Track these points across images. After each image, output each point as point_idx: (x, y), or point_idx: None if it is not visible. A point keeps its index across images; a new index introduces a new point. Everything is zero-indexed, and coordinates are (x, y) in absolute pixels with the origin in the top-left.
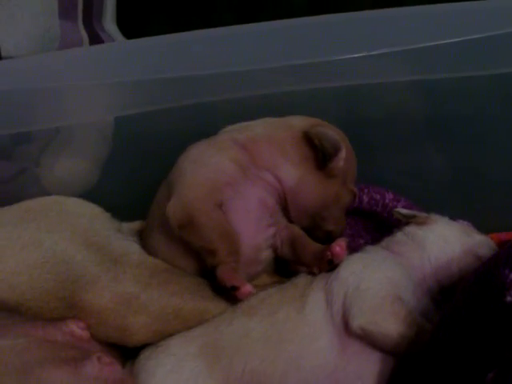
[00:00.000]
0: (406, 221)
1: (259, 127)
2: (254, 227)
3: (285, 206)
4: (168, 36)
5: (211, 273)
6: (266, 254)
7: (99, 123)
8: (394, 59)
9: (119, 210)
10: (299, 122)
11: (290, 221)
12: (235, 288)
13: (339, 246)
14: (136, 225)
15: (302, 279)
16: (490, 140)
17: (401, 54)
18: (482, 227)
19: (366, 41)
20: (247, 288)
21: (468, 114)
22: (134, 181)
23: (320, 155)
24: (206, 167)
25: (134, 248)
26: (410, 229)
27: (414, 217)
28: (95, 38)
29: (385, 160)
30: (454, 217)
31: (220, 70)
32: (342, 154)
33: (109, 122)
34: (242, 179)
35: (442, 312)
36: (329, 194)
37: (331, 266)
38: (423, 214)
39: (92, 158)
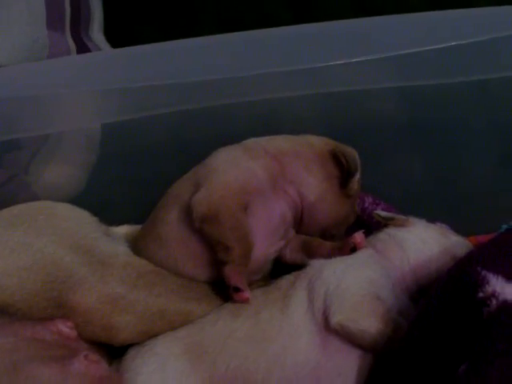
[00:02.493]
0: (385, 223)
1: (285, 142)
2: (269, 238)
3: (299, 221)
4: (154, 45)
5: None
6: (269, 266)
7: (87, 130)
8: (375, 66)
9: (107, 215)
10: (317, 141)
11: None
12: (237, 289)
13: (360, 236)
14: (123, 229)
15: (284, 281)
16: (470, 146)
17: (381, 61)
18: (462, 230)
19: (347, 48)
20: (246, 294)
21: (448, 120)
22: (122, 186)
23: (344, 174)
24: (238, 169)
25: (121, 250)
26: (391, 230)
27: (392, 219)
28: (82, 48)
29: (364, 165)
30: (433, 220)
31: (205, 77)
32: (358, 175)
33: (96, 129)
34: (270, 189)
35: (417, 309)
36: (342, 212)
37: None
38: (402, 217)
39: (80, 164)
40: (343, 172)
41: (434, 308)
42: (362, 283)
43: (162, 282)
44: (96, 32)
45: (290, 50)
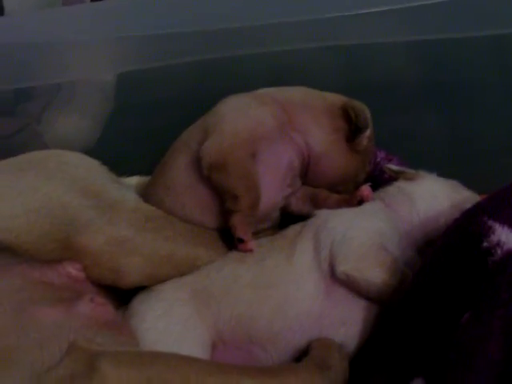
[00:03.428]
0: (396, 176)
1: (297, 93)
2: (277, 185)
3: (306, 171)
4: None
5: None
6: (277, 215)
7: (101, 80)
8: (391, 18)
9: (120, 167)
10: (332, 96)
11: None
12: (241, 240)
13: (367, 189)
14: (133, 179)
15: (291, 231)
16: (485, 103)
17: (397, 12)
18: (475, 188)
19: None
20: (251, 245)
21: (464, 76)
22: (135, 137)
23: (352, 128)
24: (247, 117)
25: (130, 195)
26: (401, 183)
27: (403, 172)
28: None
29: (377, 122)
30: (446, 177)
31: (219, 26)
32: (368, 132)
33: (110, 79)
34: (278, 136)
35: (423, 259)
36: (349, 168)
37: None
38: (412, 171)
39: (94, 115)
40: (352, 126)
41: (440, 258)
42: (368, 233)
43: (171, 227)
44: None
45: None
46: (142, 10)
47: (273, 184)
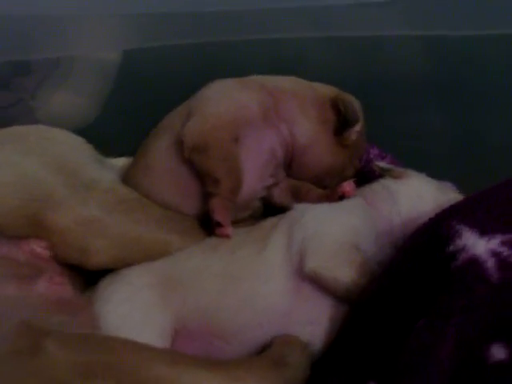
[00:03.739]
0: (383, 174)
1: (287, 82)
2: (258, 172)
3: (289, 162)
4: None
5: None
6: (257, 204)
7: (101, 58)
8: (398, 10)
9: (116, 147)
10: (323, 88)
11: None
12: (219, 224)
13: (350, 185)
14: (120, 161)
15: (268, 222)
16: (492, 103)
17: (405, 4)
18: (477, 188)
19: None
20: (228, 230)
21: (471, 74)
22: (133, 118)
23: (341, 121)
24: (230, 100)
25: (107, 176)
26: (386, 181)
27: (390, 170)
28: None
29: (376, 118)
30: (441, 178)
31: (230, 7)
32: (358, 126)
33: (111, 58)
34: (261, 123)
35: (390, 258)
36: (335, 162)
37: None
38: (400, 169)
39: (91, 93)
40: (340, 119)
41: (405, 259)
42: (342, 230)
43: (143, 210)
44: None
45: None
46: None
47: (253, 171)
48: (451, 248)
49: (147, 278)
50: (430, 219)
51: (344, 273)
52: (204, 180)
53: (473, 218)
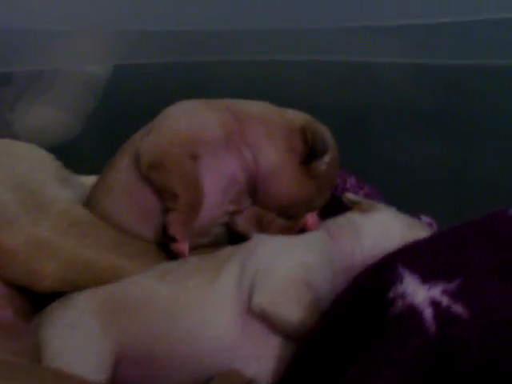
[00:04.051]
0: (351, 206)
1: (255, 106)
2: (217, 196)
3: (254, 189)
4: None
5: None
6: (218, 230)
7: (85, 73)
8: (393, 36)
9: (97, 164)
10: (295, 115)
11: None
12: (173, 239)
13: (312, 218)
14: (89, 179)
15: (225, 251)
16: (484, 137)
17: (397, 31)
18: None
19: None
20: (183, 246)
21: (463, 107)
22: (117, 136)
23: (307, 151)
24: (191, 118)
25: (64, 197)
26: (353, 215)
27: (358, 203)
28: None
29: (371, 150)
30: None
31: (219, 28)
32: (328, 157)
33: (96, 73)
34: (222, 145)
35: (331, 301)
36: (301, 192)
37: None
38: (369, 202)
39: (73, 109)
40: (307, 149)
41: (348, 301)
42: (295, 266)
43: (96, 234)
44: None
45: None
46: (140, 3)
47: (212, 194)
48: (391, 294)
49: (92, 304)
50: (378, 261)
51: (291, 311)
52: (163, 196)
53: (417, 262)
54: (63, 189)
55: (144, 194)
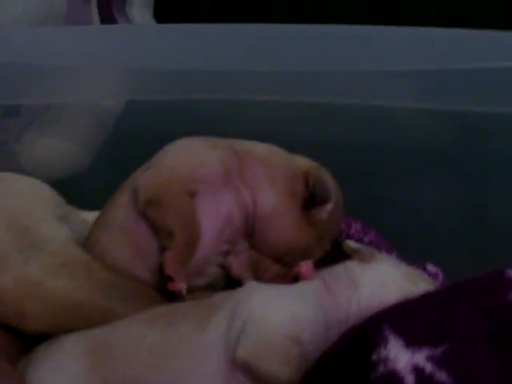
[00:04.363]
0: (351, 254)
1: (260, 148)
2: (212, 235)
3: (251, 231)
4: (180, 25)
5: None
6: (213, 271)
7: (95, 107)
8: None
9: (105, 200)
10: (301, 161)
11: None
12: (170, 278)
13: (307, 266)
14: (93, 215)
15: (217, 297)
16: (500, 184)
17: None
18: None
19: (356, 55)
20: (181, 285)
21: (474, 150)
22: (125, 171)
23: (307, 197)
24: (190, 155)
25: (59, 236)
26: (351, 264)
27: (358, 252)
28: (109, 21)
29: (368, 192)
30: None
31: (206, 68)
32: (329, 206)
33: (106, 108)
34: (221, 184)
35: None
36: (299, 238)
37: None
38: (370, 251)
39: (81, 142)
40: (308, 194)
41: (329, 361)
42: (285, 320)
43: (87, 275)
44: (137, 7)
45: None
46: (151, 40)
47: (207, 232)
48: (374, 357)
49: (79, 347)
50: (366, 319)
51: (275, 366)
52: (159, 235)
53: (403, 324)
54: (60, 227)
55: (141, 232)
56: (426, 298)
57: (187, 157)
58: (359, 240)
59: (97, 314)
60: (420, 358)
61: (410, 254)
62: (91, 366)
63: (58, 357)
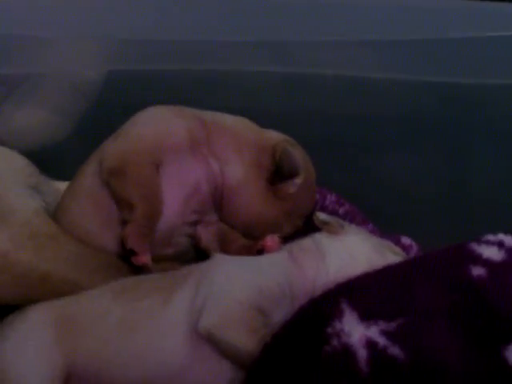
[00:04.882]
0: (321, 227)
1: (230, 120)
2: (178, 204)
3: (219, 203)
4: None
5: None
6: (181, 241)
7: (76, 76)
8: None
9: None
10: (271, 134)
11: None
12: (133, 252)
13: (272, 239)
14: (65, 184)
15: (183, 270)
16: (477, 151)
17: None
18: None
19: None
20: (145, 258)
21: (455, 121)
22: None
23: (274, 170)
24: (157, 125)
25: (29, 206)
26: (320, 236)
27: (327, 224)
28: None
29: (347, 163)
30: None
31: (214, 38)
32: (298, 180)
33: (87, 78)
34: (188, 152)
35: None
36: (266, 212)
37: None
38: (339, 223)
39: (61, 112)
40: (274, 168)
41: (287, 333)
42: (247, 290)
43: (55, 247)
44: None
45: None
46: (132, 10)
47: (174, 202)
48: (329, 329)
49: (45, 317)
50: (323, 292)
51: (237, 337)
52: (119, 206)
53: (359, 298)
54: (30, 197)
55: (107, 201)
56: (384, 271)
57: (155, 126)
58: (334, 211)
59: (64, 285)
60: (374, 331)
61: (387, 227)
62: (58, 337)
63: (24, 327)
